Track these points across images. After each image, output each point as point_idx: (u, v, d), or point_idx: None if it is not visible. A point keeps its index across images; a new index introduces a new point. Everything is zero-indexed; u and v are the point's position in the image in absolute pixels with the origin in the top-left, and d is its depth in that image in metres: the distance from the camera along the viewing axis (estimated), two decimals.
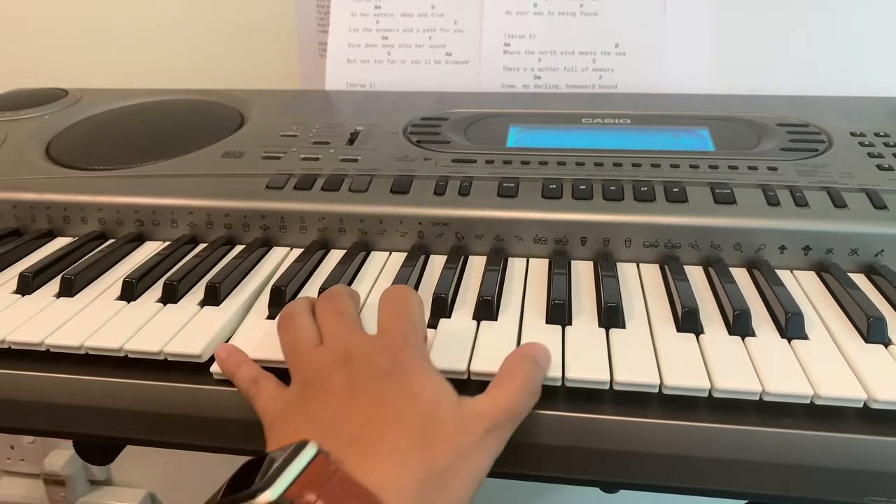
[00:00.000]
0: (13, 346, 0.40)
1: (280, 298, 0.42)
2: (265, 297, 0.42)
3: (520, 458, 0.35)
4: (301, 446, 0.27)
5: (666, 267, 0.45)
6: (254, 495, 0.25)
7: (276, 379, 0.36)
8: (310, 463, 0.26)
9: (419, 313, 0.37)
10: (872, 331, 0.37)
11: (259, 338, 0.39)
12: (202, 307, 0.42)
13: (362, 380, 0.31)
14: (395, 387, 0.31)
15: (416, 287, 0.44)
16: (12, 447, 1.24)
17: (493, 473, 0.36)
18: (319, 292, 0.42)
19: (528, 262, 0.47)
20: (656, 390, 0.34)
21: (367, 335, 0.35)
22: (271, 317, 0.41)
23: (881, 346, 0.37)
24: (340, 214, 0.49)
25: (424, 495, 0.28)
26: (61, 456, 1.20)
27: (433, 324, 0.40)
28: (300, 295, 0.43)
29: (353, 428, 0.29)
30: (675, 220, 0.46)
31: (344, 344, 0.34)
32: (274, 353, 0.37)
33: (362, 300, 0.42)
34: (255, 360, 0.37)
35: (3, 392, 0.39)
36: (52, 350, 0.39)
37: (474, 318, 0.40)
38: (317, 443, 0.27)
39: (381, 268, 0.47)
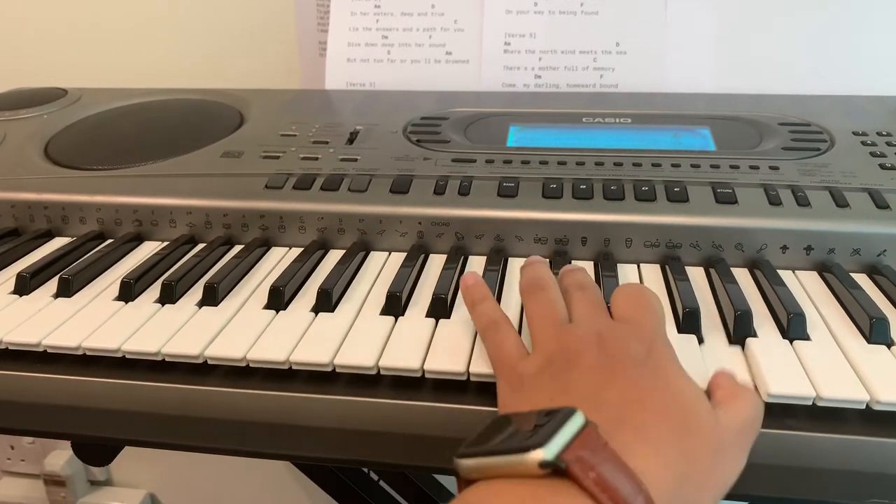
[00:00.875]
0: (10, 347, 0.39)
1: (279, 299, 0.42)
2: (264, 298, 0.42)
3: None
4: (570, 413, 0.26)
5: (667, 267, 0.45)
6: (527, 449, 0.24)
7: (516, 331, 0.35)
8: (581, 430, 0.25)
9: (662, 311, 0.35)
10: (875, 331, 0.37)
11: (254, 335, 0.39)
12: (200, 308, 0.42)
13: (619, 364, 0.30)
14: (652, 377, 0.30)
15: (414, 287, 0.44)
16: (12, 447, 1.24)
17: None
18: (318, 295, 0.41)
19: None
20: None
21: (618, 323, 0.34)
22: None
23: (884, 347, 0.36)
24: (340, 214, 0.49)
25: (681, 492, 0.26)
26: (61, 456, 1.20)
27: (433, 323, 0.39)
28: (298, 296, 0.43)
29: (612, 409, 0.28)
30: (676, 220, 0.45)
31: (597, 327, 0.33)
32: (269, 353, 0.37)
33: (361, 300, 0.42)
34: (254, 360, 0.37)
35: (0, 393, 0.39)
36: (49, 351, 0.39)
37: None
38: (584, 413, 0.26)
39: (381, 268, 0.46)
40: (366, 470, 0.74)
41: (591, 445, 0.25)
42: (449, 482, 0.83)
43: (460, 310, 0.41)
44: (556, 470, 0.24)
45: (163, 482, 1.23)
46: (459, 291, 0.43)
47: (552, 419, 0.25)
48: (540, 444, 0.24)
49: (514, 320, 0.39)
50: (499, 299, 0.42)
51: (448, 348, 0.37)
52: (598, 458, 0.24)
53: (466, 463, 0.26)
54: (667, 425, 0.28)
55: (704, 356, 0.36)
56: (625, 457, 0.25)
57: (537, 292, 0.37)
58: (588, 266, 0.46)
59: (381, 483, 0.76)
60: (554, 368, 0.31)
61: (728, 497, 0.36)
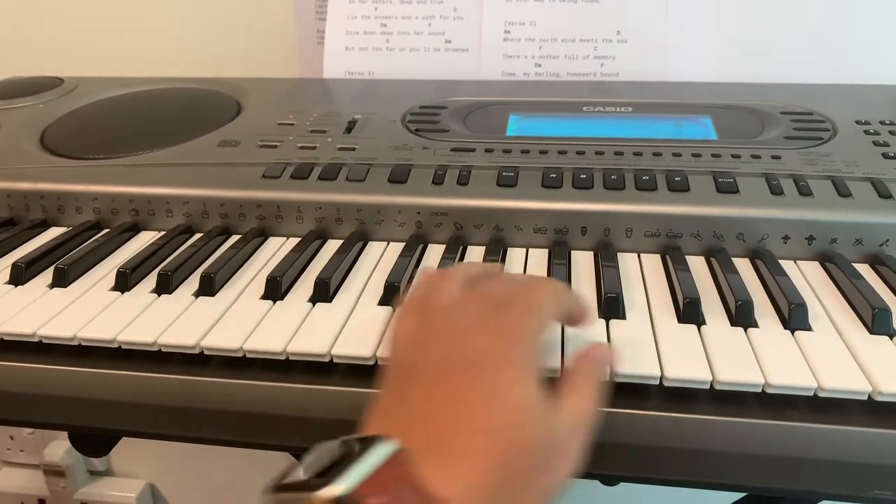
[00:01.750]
0: (6, 338, 0.39)
1: (276, 289, 0.41)
2: (261, 288, 0.42)
3: None
4: (378, 440, 0.25)
5: (667, 257, 0.44)
6: (318, 486, 0.23)
7: (418, 321, 0.33)
8: (386, 459, 0.25)
9: (549, 304, 0.33)
10: (877, 322, 0.36)
11: (250, 325, 0.38)
12: (197, 298, 0.42)
13: (457, 363, 0.29)
14: (487, 385, 0.28)
15: (413, 277, 0.43)
16: (12, 438, 1.24)
17: None
18: (315, 285, 0.41)
19: (527, 252, 0.46)
20: (657, 382, 0.34)
21: (489, 317, 0.31)
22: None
23: (886, 338, 0.36)
24: (338, 204, 0.48)
25: None
26: (61, 447, 1.20)
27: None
28: (296, 286, 0.43)
29: (432, 419, 0.27)
30: (676, 210, 0.45)
31: (464, 318, 0.31)
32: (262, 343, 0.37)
33: (359, 291, 0.42)
34: (251, 351, 0.37)
35: None
36: (45, 341, 0.39)
37: None
38: (392, 432, 0.26)
39: (379, 258, 0.46)
40: None
41: (393, 476, 0.24)
42: None
43: None
44: None
45: (163, 472, 1.23)
46: None
47: (360, 448, 0.25)
48: (332, 480, 0.23)
49: None
50: None
51: None
52: (396, 490, 0.24)
53: (270, 499, 0.25)
54: (487, 438, 0.27)
55: (706, 345, 0.35)
56: (434, 480, 0.25)
57: (440, 280, 0.35)
58: (588, 256, 0.45)
59: None
60: (409, 364, 0.31)
61: (730, 490, 0.36)
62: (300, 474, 0.25)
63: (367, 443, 0.25)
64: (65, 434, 1.17)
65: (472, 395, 0.28)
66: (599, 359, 0.33)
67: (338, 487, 0.23)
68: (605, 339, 0.36)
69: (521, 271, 0.44)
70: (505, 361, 0.29)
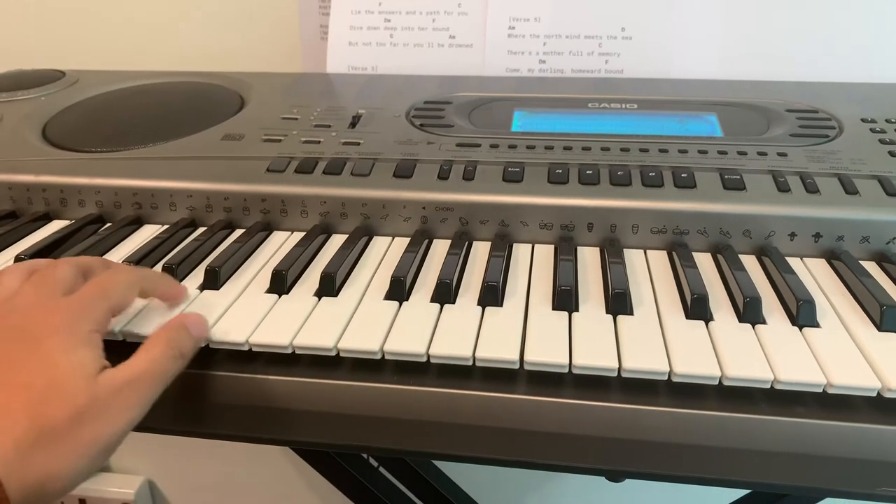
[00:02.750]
0: None
1: (281, 283, 0.41)
2: (266, 282, 0.42)
3: (525, 445, 0.35)
4: None
5: (674, 253, 0.44)
6: None
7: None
8: None
9: (123, 287, 0.36)
10: (885, 319, 0.36)
11: (256, 319, 0.38)
12: (202, 291, 0.41)
13: (5, 336, 0.32)
14: (33, 353, 0.31)
15: (418, 272, 0.43)
16: None
17: (496, 461, 0.36)
18: (321, 279, 0.41)
19: (533, 247, 0.46)
20: (665, 377, 0.34)
21: (43, 297, 0.34)
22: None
23: (894, 335, 0.36)
24: (342, 198, 0.48)
25: (26, 460, 0.28)
26: None
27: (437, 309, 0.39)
28: (301, 280, 0.43)
29: None
30: (683, 206, 0.45)
31: (18, 300, 0.34)
32: (272, 336, 0.37)
33: (364, 285, 0.42)
34: (256, 344, 0.36)
35: None
36: None
37: (479, 304, 0.39)
38: None
39: (384, 253, 0.46)
40: (366, 456, 0.74)
41: None
42: (449, 468, 0.83)
43: (465, 295, 0.40)
44: None
45: (161, 468, 1.23)
46: (464, 277, 0.42)
47: None
48: None
49: (520, 303, 0.39)
50: (504, 285, 0.41)
51: (453, 333, 0.36)
52: None
53: None
54: (24, 397, 0.30)
55: (715, 342, 0.35)
56: None
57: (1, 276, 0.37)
58: (594, 252, 0.45)
59: (381, 469, 0.76)
60: None
61: (737, 486, 0.35)
62: None
63: None
64: None
65: (15, 358, 0.31)
66: (180, 323, 0.36)
67: None
68: (612, 334, 0.36)
69: (528, 267, 0.44)
70: (54, 330, 0.32)
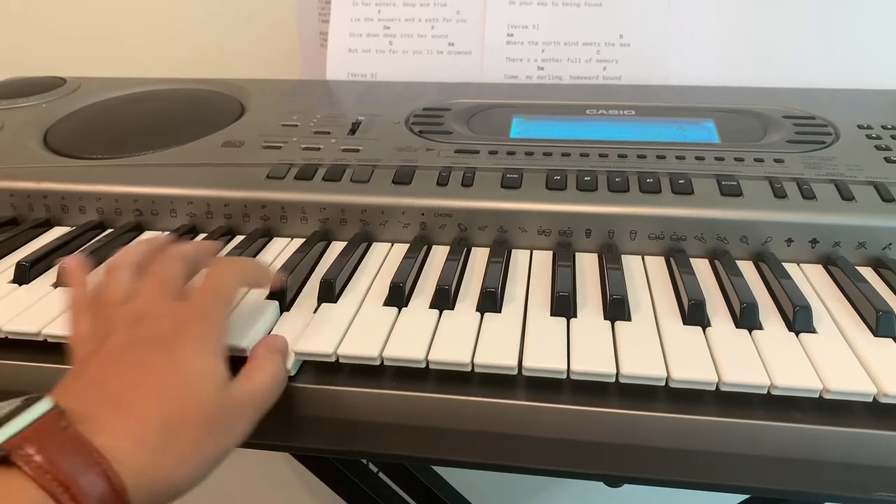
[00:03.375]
0: (10, 337, 0.39)
1: (282, 294, 0.41)
2: (265, 289, 0.42)
3: (523, 450, 0.35)
4: (37, 398, 0.27)
5: (672, 259, 0.44)
6: None
7: (95, 318, 0.35)
8: (41, 416, 0.26)
9: (231, 286, 0.37)
10: (881, 324, 0.36)
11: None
12: None
13: (140, 343, 0.32)
14: (167, 357, 0.31)
15: (418, 278, 0.43)
16: None
17: (495, 466, 0.36)
18: (320, 285, 0.41)
19: (531, 254, 0.46)
20: (663, 383, 0.34)
21: (168, 301, 0.35)
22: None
23: (890, 340, 0.36)
24: (342, 205, 0.48)
25: (157, 468, 0.28)
26: None
27: (436, 315, 0.39)
28: (305, 290, 0.43)
29: (109, 388, 0.30)
30: (680, 213, 0.45)
31: (143, 305, 0.34)
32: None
33: (363, 291, 0.42)
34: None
35: (0, 383, 0.39)
36: (49, 340, 0.39)
37: (478, 310, 0.39)
38: (70, 397, 0.28)
39: (383, 259, 0.46)
40: (365, 461, 0.74)
41: (47, 430, 0.26)
42: (448, 473, 0.83)
43: (464, 301, 0.41)
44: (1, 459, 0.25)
45: None
46: (463, 283, 0.42)
47: (15, 406, 0.26)
48: None
49: (519, 309, 0.39)
50: (502, 290, 0.41)
51: (452, 339, 0.37)
52: (49, 442, 0.26)
53: None
54: (157, 404, 0.29)
55: (712, 347, 0.36)
56: (96, 435, 0.27)
57: (109, 273, 0.37)
58: (592, 258, 0.45)
59: (381, 475, 0.76)
60: (90, 352, 0.32)
61: (734, 491, 0.36)
62: None
63: (28, 401, 0.27)
64: None
65: (149, 363, 0.31)
66: (275, 345, 0.36)
67: None
68: (610, 340, 0.36)
69: (526, 273, 0.44)
70: (185, 337, 0.32)
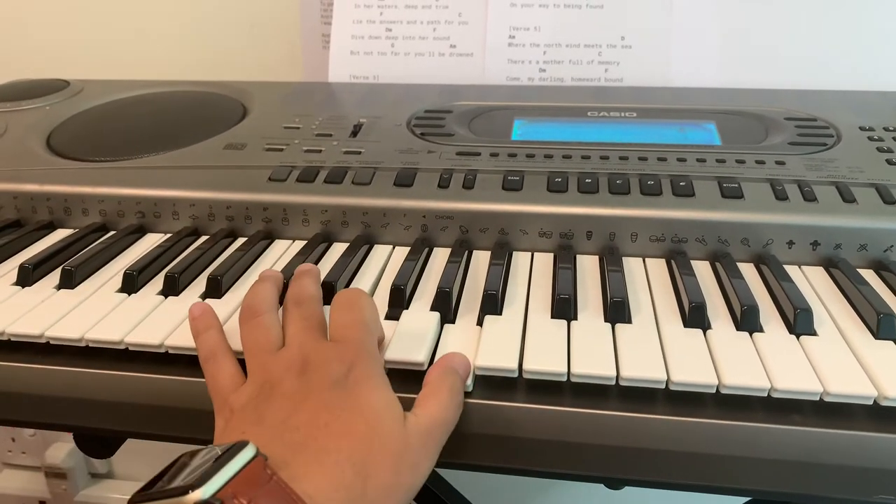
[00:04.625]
0: (13, 339, 0.39)
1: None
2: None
3: (524, 453, 0.35)
4: (241, 446, 0.27)
5: (672, 262, 0.44)
6: (185, 491, 0.25)
7: (236, 362, 0.35)
8: (247, 465, 0.26)
9: (373, 318, 0.36)
10: (882, 327, 0.36)
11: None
12: (204, 300, 0.42)
13: (315, 388, 0.31)
14: (345, 398, 0.31)
15: (418, 281, 0.44)
16: (13, 440, 1.24)
17: (496, 468, 0.36)
18: (322, 285, 0.41)
19: (532, 256, 0.46)
20: (663, 386, 0.34)
21: (326, 343, 0.35)
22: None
23: (891, 343, 0.36)
24: (343, 207, 0.48)
25: None
26: (62, 449, 1.20)
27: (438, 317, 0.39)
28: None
29: (298, 434, 0.29)
30: (681, 215, 0.45)
31: (304, 350, 0.34)
32: None
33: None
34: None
35: (3, 384, 0.39)
36: (52, 342, 0.39)
37: (480, 311, 0.39)
38: (257, 445, 0.27)
39: (385, 261, 0.46)
40: None
41: (255, 479, 0.26)
42: (449, 475, 0.83)
43: (464, 304, 0.41)
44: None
45: None
46: (466, 287, 0.43)
47: (221, 455, 0.26)
48: (199, 484, 0.24)
49: (519, 311, 0.39)
50: (503, 293, 0.41)
51: (453, 344, 0.37)
52: (259, 492, 0.25)
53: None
54: (348, 445, 0.29)
55: (712, 350, 0.36)
56: (300, 481, 0.27)
57: (250, 319, 0.36)
58: (593, 260, 0.46)
59: None
60: (258, 399, 0.32)
61: (734, 494, 0.36)
62: (166, 483, 0.26)
63: (231, 450, 0.26)
64: (66, 436, 1.17)
65: (331, 407, 0.30)
66: (451, 366, 0.34)
67: (201, 491, 0.24)
68: (611, 343, 0.36)
69: (527, 275, 0.44)
70: (358, 376, 0.32)
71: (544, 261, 0.46)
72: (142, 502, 0.25)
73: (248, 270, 0.45)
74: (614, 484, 0.39)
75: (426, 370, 0.35)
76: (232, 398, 0.33)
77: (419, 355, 0.35)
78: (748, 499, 0.58)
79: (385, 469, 0.29)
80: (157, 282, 0.44)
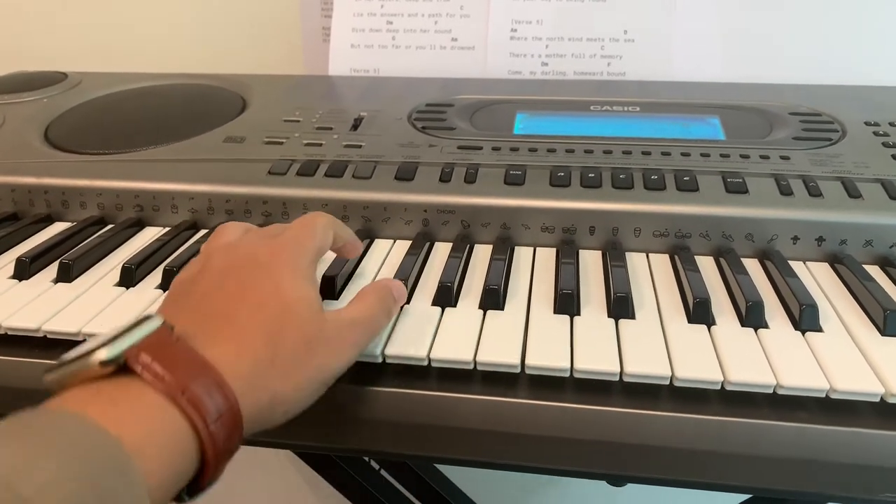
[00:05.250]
0: (10, 332, 0.39)
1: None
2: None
3: (526, 449, 0.35)
4: (147, 318, 0.28)
5: (676, 257, 0.44)
6: (91, 353, 0.26)
7: (198, 259, 0.36)
8: (152, 332, 0.28)
9: (323, 229, 0.38)
10: (889, 323, 0.36)
11: None
12: None
13: (238, 265, 0.33)
14: (264, 277, 0.33)
15: (419, 275, 0.43)
16: None
17: (498, 465, 0.36)
18: (322, 282, 0.41)
19: (535, 251, 0.46)
20: (667, 382, 0.33)
21: (266, 238, 0.36)
22: None
23: None
24: (344, 201, 0.48)
25: (261, 377, 0.29)
26: None
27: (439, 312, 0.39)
28: None
29: (213, 307, 0.31)
30: (685, 210, 0.45)
31: (240, 238, 0.36)
32: None
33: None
34: None
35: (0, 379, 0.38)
36: (49, 336, 0.39)
37: (480, 307, 0.39)
38: (175, 319, 0.29)
39: (386, 256, 0.46)
40: (368, 459, 0.74)
41: (159, 343, 0.27)
42: (451, 471, 0.83)
43: (466, 298, 0.40)
44: (119, 368, 0.26)
45: None
46: (465, 280, 0.42)
47: (129, 325, 0.28)
48: (103, 345, 0.26)
49: (522, 306, 0.39)
50: (506, 287, 0.41)
51: (454, 337, 0.36)
52: (162, 353, 0.27)
53: (49, 377, 0.27)
54: (261, 318, 0.31)
55: (717, 346, 0.35)
56: (208, 348, 0.28)
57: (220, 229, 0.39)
58: (596, 256, 0.45)
59: (383, 472, 0.76)
60: (190, 279, 0.34)
61: (739, 492, 0.35)
62: (73, 352, 0.27)
63: (138, 321, 0.28)
64: None
65: (248, 285, 0.32)
66: (385, 283, 0.38)
67: (106, 350, 0.26)
68: (614, 338, 0.36)
69: (529, 270, 0.43)
70: (282, 264, 0.33)
71: (547, 256, 0.45)
72: (53, 370, 0.27)
73: None
74: (617, 481, 0.39)
75: (427, 365, 0.35)
76: (173, 286, 0.35)
77: (421, 350, 0.35)
78: (751, 496, 0.58)
79: (297, 343, 0.31)
80: (156, 276, 0.43)
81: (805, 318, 0.37)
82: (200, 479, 0.27)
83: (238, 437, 0.28)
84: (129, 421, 0.25)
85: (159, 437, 0.25)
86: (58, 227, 0.51)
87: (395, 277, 0.40)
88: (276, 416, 0.30)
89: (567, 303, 0.38)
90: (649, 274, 0.43)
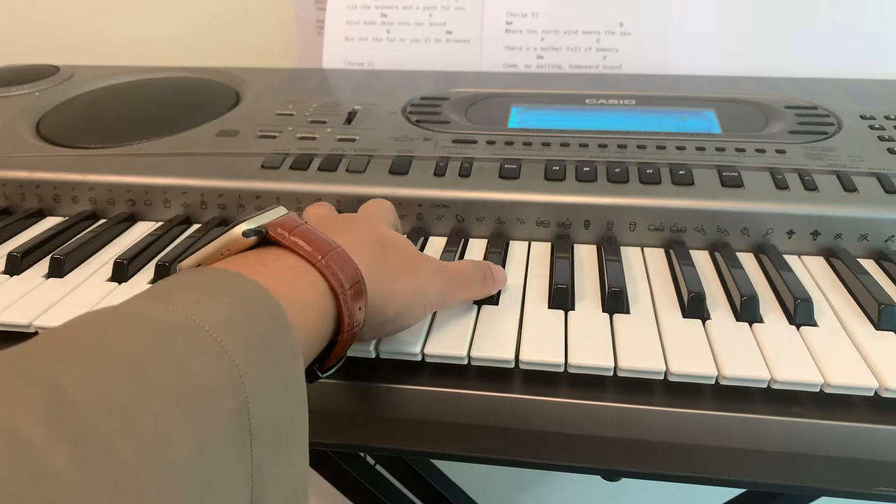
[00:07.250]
0: (1, 328, 0.39)
1: None
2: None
3: (521, 444, 0.35)
4: (274, 207, 0.32)
5: (671, 251, 0.44)
6: (231, 228, 0.30)
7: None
8: (283, 216, 0.31)
9: (393, 212, 0.43)
10: (883, 318, 0.36)
11: None
12: None
13: (334, 220, 0.37)
14: (365, 223, 0.36)
15: None
16: None
17: (493, 460, 0.36)
18: None
19: (529, 245, 0.46)
20: (661, 377, 0.33)
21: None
22: None
23: (892, 334, 0.36)
24: (338, 195, 0.48)
25: (378, 269, 0.32)
26: None
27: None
28: None
29: (325, 226, 0.33)
30: (680, 204, 0.45)
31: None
32: None
33: None
34: None
35: None
36: (41, 332, 0.38)
37: (475, 302, 0.39)
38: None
39: None
40: (363, 455, 0.73)
41: (292, 222, 0.30)
42: (446, 466, 0.83)
43: None
44: (261, 240, 0.30)
45: None
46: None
47: (261, 212, 0.31)
48: (243, 221, 0.30)
49: (516, 301, 0.39)
50: None
51: (448, 332, 0.36)
52: (296, 230, 0.30)
53: (185, 262, 0.30)
54: (368, 237, 0.34)
55: (711, 341, 0.35)
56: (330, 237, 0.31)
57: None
58: (591, 250, 0.45)
59: (379, 468, 0.76)
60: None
61: (733, 486, 0.35)
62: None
63: (265, 210, 0.31)
64: None
65: (355, 221, 0.36)
66: (487, 264, 0.39)
67: (245, 225, 0.29)
68: (608, 333, 0.36)
69: (524, 264, 0.43)
70: (377, 218, 0.39)
71: (541, 250, 0.45)
72: (195, 246, 0.31)
73: None
74: (612, 476, 0.39)
75: (421, 360, 0.35)
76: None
77: (414, 346, 0.35)
78: (745, 490, 0.58)
79: (402, 261, 0.34)
80: (149, 271, 0.43)
81: (800, 312, 0.37)
82: (329, 357, 0.31)
83: (363, 318, 0.31)
84: (277, 279, 0.28)
85: (304, 293, 0.28)
86: (49, 222, 0.51)
87: None
88: (389, 315, 0.32)
89: (561, 297, 0.38)
90: (644, 268, 0.43)
